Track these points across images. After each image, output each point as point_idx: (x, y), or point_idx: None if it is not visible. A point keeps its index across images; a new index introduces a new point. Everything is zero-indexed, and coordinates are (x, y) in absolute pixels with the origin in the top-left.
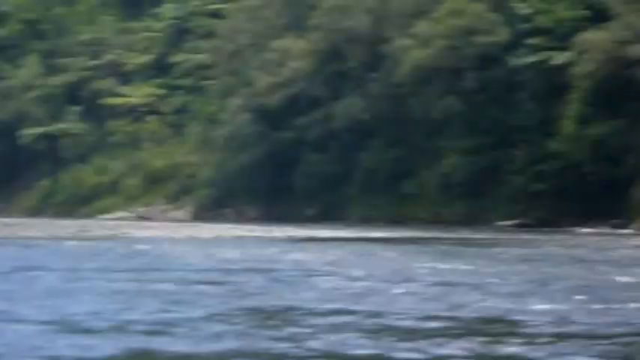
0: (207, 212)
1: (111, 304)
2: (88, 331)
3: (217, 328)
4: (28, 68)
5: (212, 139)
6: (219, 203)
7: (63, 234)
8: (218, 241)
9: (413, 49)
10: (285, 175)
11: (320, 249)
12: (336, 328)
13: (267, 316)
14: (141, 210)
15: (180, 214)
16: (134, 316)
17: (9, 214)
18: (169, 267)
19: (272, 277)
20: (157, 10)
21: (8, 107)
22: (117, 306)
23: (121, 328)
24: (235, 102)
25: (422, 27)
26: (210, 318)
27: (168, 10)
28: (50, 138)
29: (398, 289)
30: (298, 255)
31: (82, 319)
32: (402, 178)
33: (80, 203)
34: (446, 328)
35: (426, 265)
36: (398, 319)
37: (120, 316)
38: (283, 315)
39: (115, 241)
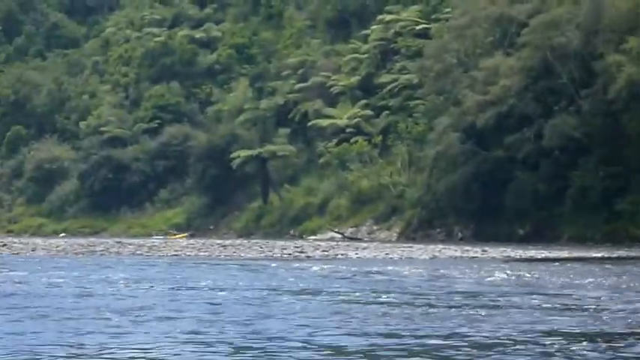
0: (415, 233)
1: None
2: None
3: None
4: (238, 92)
5: (419, 159)
6: (427, 224)
7: (286, 255)
8: (446, 261)
9: (626, 65)
10: (495, 194)
11: (578, 271)
12: None
13: None
14: (349, 230)
15: (387, 234)
16: None
17: (220, 236)
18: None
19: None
20: (363, 31)
21: (220, 131)
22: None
23: None
24: (444, 121)
25: (635, 42)
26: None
27: (374, 31)
28: (260, 160)
29: None
30: (569, 278)
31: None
32: (616, 196)
33: (289, 224)
34: None
35: None
36: None
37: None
38: None
39: (340, 262)
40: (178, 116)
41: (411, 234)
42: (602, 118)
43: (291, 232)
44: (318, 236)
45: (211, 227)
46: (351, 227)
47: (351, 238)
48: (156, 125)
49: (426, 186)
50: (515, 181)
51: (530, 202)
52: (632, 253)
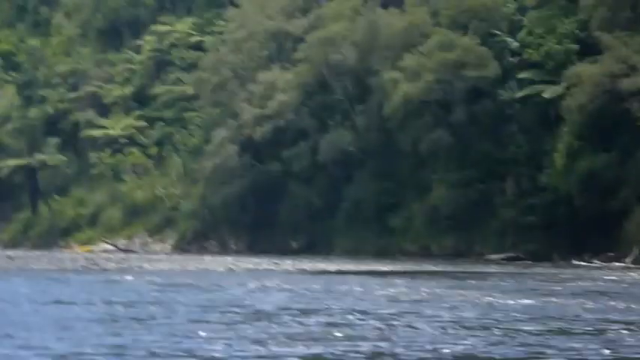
0: (189, 245)
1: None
2: None
3: None
4: (5, 100)
5: (195, 171)
6: (202, 236)
7: (81, 267)
8: (250, 274)
9: (401, 82)
10: (270, 207)
11: (381, 284)
12: None
13: None
14: (122, 242)
15: (161, 246)
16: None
17: None
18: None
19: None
20: (137, 41)
21: None
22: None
23: None
24: (221, 134)
25: (410, 60)
26: None
27: (148, 42)
28: (29, 170)
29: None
30: (379, 290)
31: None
32: (390, 210)
33: (59, 235)
34: None
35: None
36: None
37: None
38: None
39: (158, 276)
40: None
41: (186, 246)
42: (376, 134)
43: (61, 243)
44: (93, 247)
45: None
46: (124, 239)
47: (124, 250)
48: None
49: (201, 198)
50: (290, 194)
51: (304, 215)
52: (423, 268)
